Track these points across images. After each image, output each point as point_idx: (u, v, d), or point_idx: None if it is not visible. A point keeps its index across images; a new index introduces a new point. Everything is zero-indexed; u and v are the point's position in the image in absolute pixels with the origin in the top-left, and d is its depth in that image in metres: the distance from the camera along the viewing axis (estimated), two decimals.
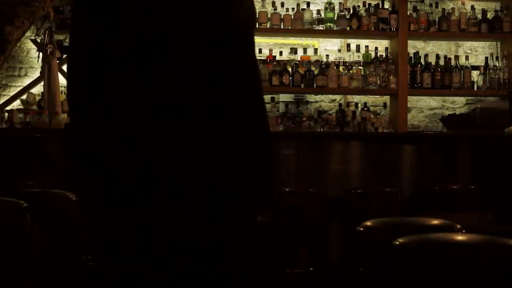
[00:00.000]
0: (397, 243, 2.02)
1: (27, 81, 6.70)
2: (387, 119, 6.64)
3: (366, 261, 2.58)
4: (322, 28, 6.62)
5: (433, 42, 7.16)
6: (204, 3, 1.81)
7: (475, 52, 7.26)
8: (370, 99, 6.97)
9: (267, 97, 6.88)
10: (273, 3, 6.54)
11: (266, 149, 1.86)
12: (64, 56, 6.62)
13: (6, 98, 6.68)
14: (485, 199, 4.46)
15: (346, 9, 6.71)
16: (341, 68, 6.58)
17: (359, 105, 6.77)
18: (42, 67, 6.22)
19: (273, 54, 6.60)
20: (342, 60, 6.65)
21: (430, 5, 6.93)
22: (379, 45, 6.79)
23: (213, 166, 1.76)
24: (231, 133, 1.79)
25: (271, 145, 1.90)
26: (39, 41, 6.36)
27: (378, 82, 6.60)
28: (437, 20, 6.77)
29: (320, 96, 6.96)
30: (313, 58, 6.65)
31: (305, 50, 6.67)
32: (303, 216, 4.17)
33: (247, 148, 1.82)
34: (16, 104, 6.63)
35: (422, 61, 6.78)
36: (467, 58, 6.93)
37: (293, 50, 6.67)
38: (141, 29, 1.77)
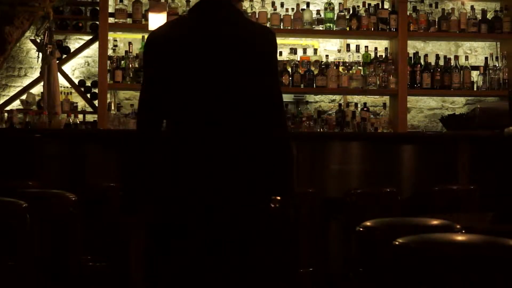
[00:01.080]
0: (397, 243, 2.02)
1: (26, 81, 6.70)
2: (387, 119, 6.64)
3: (366, 261, 2.58)
4: (321, 29, 6.62)
5: (433, 42, 7.16)
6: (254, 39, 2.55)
7: (475, 52, 7.26)
8: (369, 99, 6.97)
9: None
10: (273, 4, 6.54)
11: (288, 158, 2.64)
12: (64, 56, 6.62)
13: (5, 98, 6.68)
14: (485, 199, 4.46)
15: (345, 9, 6.72)
16: (340, 69, 6.58)
17: (359, 105, 6.77)
18: (41, 67, 6.22)
19: None
20: (341, 61, 6.65)
21: (430, 5, 6.94)
22: (379, 45, 6.80)
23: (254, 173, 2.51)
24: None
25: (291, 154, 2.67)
26: (38, 41, 6.36)
27: (378, 82, 6.60)
28: (436, 20, 6.77)
29: (319, 96, 6.96)
30: (313, 58, 6.65)
31: (304, 51, 6.67)
32: (303, 216, 4.17)
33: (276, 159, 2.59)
34: (16, 104, 6.62)
35: (422, 61, 6.78)
36: (466, 58, 6.93)
37: (293, 50, 6.67)
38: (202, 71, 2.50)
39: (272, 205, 2.54)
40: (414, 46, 7.04)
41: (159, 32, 2.66)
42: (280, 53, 6.71)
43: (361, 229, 2.53)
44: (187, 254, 2.44)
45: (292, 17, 6.58)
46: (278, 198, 2.58)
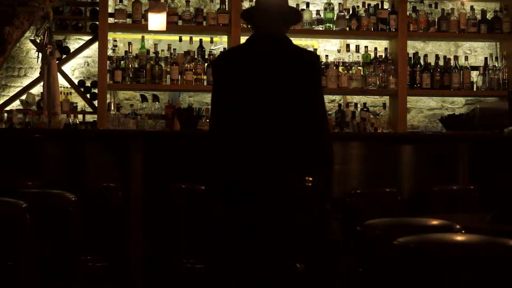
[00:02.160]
0: (397, 243, 2.02)
1: (26, 82, 6.70)
2: (387, 120, 6.65)
3: (366, 261, 2.58)
4: (321, 29, 6.62)
5: (433, 42, 7.16)
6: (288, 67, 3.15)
7: (475, 53, 7.27)
8: (369, 99, 6.97)
9: None
10: None
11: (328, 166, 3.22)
12: (64, 56, 6.63)
13: (5, 98, 6.69)
14: (485, 199, 4.46)
15: (345, 9, 6.72)
16: (340, 69, 6.58)
17: (359, 105, 6.77)
18: (41, 68, 6.23)
19: None
20: (341, 61, 6.65)
21: (430, 5, 6.94)
22: (379, 46, 6.80)
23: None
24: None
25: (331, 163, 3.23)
26: (38, 41, 6.36)
27: (378, 83, 6.61)
28: (436, 20, 6.78)
29: None
30: None
31: None
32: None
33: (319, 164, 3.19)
34: (16, 104, 6.63)
35: (422, 61, 6.79)
36: (466, 58, 6.94)
37: None
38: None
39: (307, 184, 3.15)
40: (413, 46, 7.04)
41: (225, 54, 3.66)
42: None
43: (361, 229, 2.53)
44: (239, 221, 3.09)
45: None
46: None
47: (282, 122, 3.11)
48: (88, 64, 6.87)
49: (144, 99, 6.52)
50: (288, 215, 3.10)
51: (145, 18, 6.32)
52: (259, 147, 3.10)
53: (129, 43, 6.48)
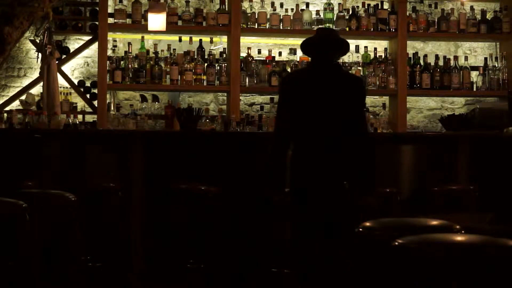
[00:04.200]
0: (397, 243, 2.02)
1: (26, 82, 6.69)
2: (386, 120, 6.64)
3: (366, 261, 2.58)
4: None
5: (432, 42, 7.16)
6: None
7: (474, 53, 7.27)
8: (369, 99, 6.97)
9: (266, 98, 6.88)
10: (272, 4, 6.54)
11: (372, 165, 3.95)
12: (63, 56, 6.62)
13: (5, 98, 6.68)
14: (485, 199, 4.46)
15: (345, 9, 6.72)
16: None
17: None
18: (41, 68, 6.22)
19: (272, 55, 6.60)
20: (341, 61, 6.64)
21: (430, 5, 6.94)
22: (378, 46, 6.80)
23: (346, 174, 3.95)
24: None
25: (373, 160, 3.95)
26: (38, 41, 6.36)
27: (377, 83, 6.61)
28: (436, 20, 6.78)
29: None
30: None
31: None
32: None
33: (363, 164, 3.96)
34: (15, 104, 6.63)
35: (421, 61, 6.79)
36: (466, 58, 6.94)
37: (292, 51, 6.67)
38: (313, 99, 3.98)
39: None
40: (413, 46, 7.04)
41: (292, 74, 4.88)
42: (280, 54, 6.73)
43: (361, 229, 2.53)
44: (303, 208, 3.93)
45: (291, 18, 6.58)
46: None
47: (337, 125, 3.91)
48: (87, 64, 6.87)
49: (144, 99, 6.52)
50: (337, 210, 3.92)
51: (145, 18, 6.32)
52: (322, 141, 3.90)
53: (129, 43, 6.49)
